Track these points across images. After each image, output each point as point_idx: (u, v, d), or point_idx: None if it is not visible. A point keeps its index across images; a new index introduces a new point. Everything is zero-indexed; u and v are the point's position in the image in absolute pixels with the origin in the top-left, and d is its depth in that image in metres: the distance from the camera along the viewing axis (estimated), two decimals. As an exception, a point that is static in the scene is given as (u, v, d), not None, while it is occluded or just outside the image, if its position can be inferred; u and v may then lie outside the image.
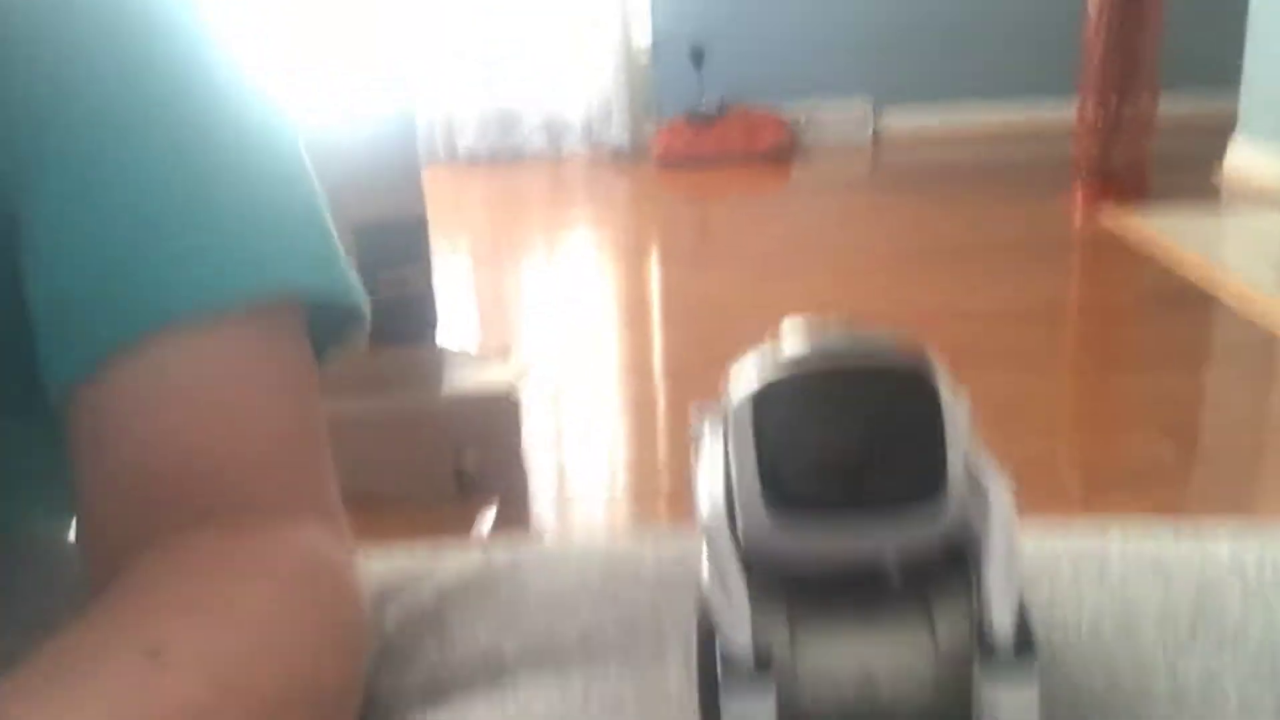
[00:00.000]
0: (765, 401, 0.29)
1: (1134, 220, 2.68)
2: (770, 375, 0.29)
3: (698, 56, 3.86)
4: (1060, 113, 3.31)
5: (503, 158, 4.02)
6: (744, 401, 0.29)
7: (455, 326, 2.30)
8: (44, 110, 0.35)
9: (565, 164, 3.98)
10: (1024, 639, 0.27)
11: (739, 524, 0.29)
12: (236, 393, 0.36)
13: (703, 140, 3.78)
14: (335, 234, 0.40)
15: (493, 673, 0.37)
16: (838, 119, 4.00)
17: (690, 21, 3.90)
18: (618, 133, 3.96)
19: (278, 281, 0.36)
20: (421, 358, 1.65)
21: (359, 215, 1.58)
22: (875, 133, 4.01)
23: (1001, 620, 0.27)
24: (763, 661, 0.28)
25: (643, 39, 3.97)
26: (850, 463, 0.28)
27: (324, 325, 0.42)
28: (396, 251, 1.63)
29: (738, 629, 0.28)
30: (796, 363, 0.29)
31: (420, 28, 3.87)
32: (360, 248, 1.59)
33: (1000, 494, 0.28)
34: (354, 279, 0.40)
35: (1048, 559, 0.41)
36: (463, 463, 1.58)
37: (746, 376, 0.29)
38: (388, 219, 1.62)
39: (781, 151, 3.81)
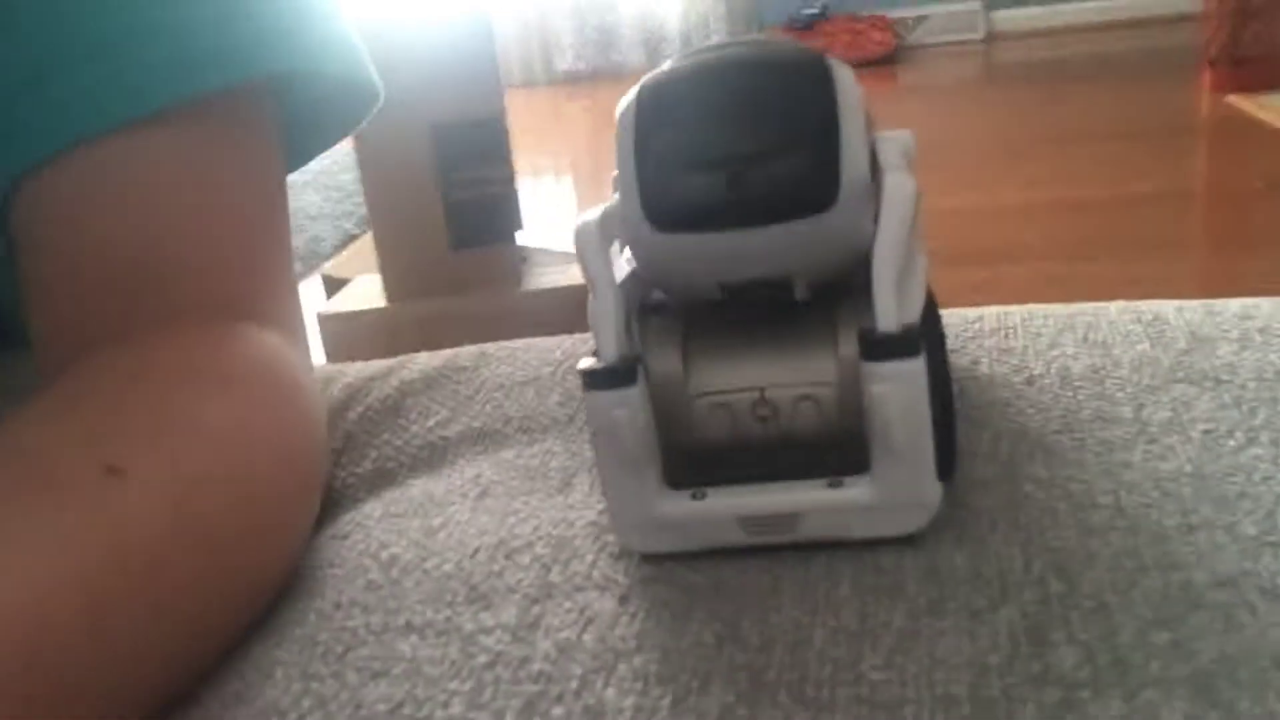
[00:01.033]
0: (645, 105, 0.27)
1: (1264, 105, 2.51)
2: (651, 79, 0.27)
3: (799, -40, 3.73)
4: (1184, 2, 3.10)
5: (603, 76, 3.99)
6: (626, 104, 0.27)
7: (543, 235, 2.31)
8: None
9: (665, 79, 3.92)
10: (908, 330, 0.25)
11: (629, 241, 0.27)
12: (191, 191, 0.34)
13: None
14: (333, 6, 0.37)
15: (437, 454, 0.37)
16: (946, 21, 3.83)
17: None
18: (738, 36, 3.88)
19: (241, 73, 0.34)
20: (502, 257, 1.66)
21: (436, 115, 1.58)
22: (987, 33, 3.83)
23: (884, 313, 0.25)
24: (624, 372, 0.26)
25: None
26: (734, 161, 0.26)
27: (330, 104, 0.40)
28: (475, 151, 1.63)
29: (606, 342, 0.26)
30: (676, 64, 0.27)
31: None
32: (438, 147, 1.59)
33: (897, 185, 0.26)
34: (351, 52, 0.38)
35: (1036, 324, 0.38)
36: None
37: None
38: (465, 119, 1.62)
39: (888, 55, 3.68)
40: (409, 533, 0.31)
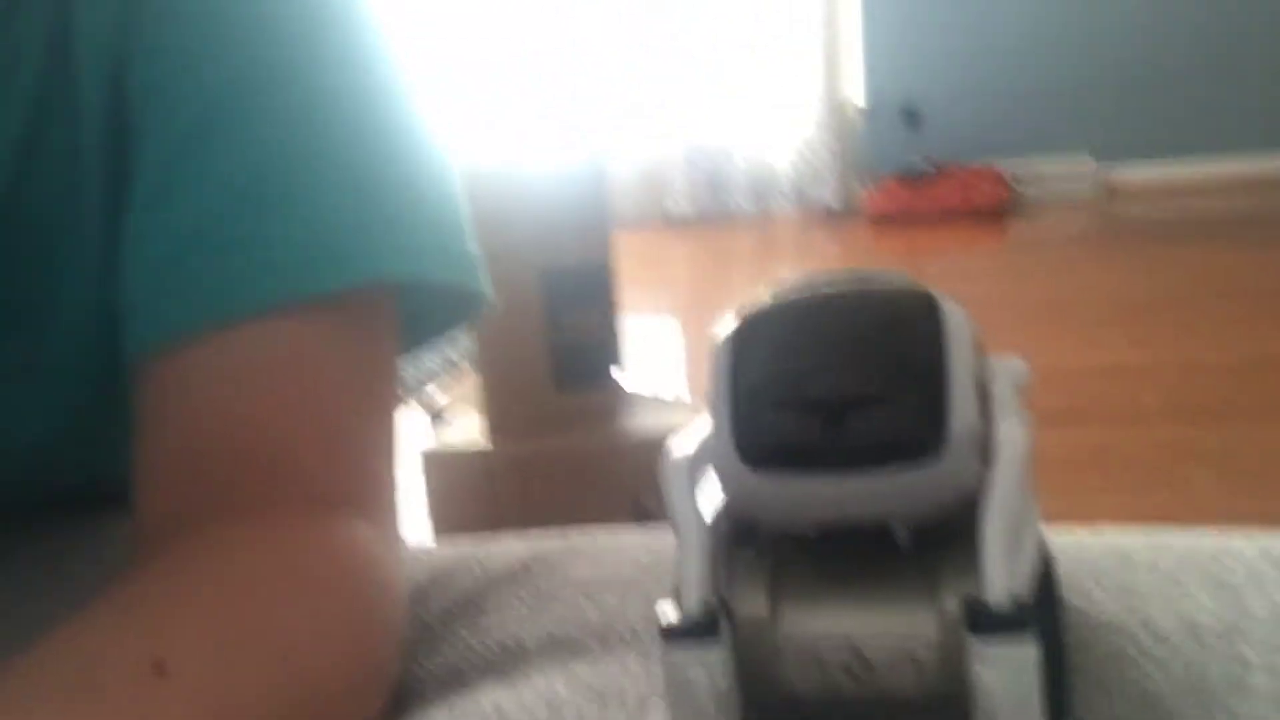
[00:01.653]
0: (743, 337, 0.26)
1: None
2: (750, 310, 0.26)
3: (911, 115, 3.78)
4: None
5: (711, 219, 4.06)
6: (724, 339, 0.26)
7: (646, 375, 2.32)
8: (190, 50, 0.35)
9: (774, 224, 3.97)
10: (1019, 608, 0.23)
11: (719, 475, 0.26)
12: (301, 381, 0.35)
13: (916, 198, 3.69)
14: (456, 219, 0.39)
15: (512, 660, 0.35)
16: (1059, 175, 3.81)
17: (903, 80, 3.83)
18: (827, 193, 3.93)
19: (364, 275, 0.35)
20: (603, 400, 1.67)
21: (545, 260, 1.62)
22: (1099, 187, 3.79)
23: (993, 582, 0.23)
24: (705, 624, 0.24)
25: (854, 98, 3.94)
26: (834, 402, 0.24)
27: (443, 304, 0.41)
28: (582, 295, 1.66)
29: (689, 589, 0.25)
30: (779, 295, 0.26)
31: (624, 89, 3.97)
32: (545, 291, 1.62)
33: (1010, 438, 0.24)
34: (468, 262, 0.39)
35: (1154, 554, 0.35)
36: (642, 504, 1.57)
37: (730, 318, 0.27)
38: (573, 265, 1.65)
39: (999, 208, 3.66)
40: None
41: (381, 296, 0.37)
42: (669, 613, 0.25)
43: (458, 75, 3.73)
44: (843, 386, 0.24)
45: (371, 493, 0.36)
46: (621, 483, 1.58)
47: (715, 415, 0.25)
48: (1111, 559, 0.35)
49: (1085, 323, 2.38)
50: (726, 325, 0.26)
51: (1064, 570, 0.35)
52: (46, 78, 0.36)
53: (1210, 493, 1.51)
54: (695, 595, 0.25)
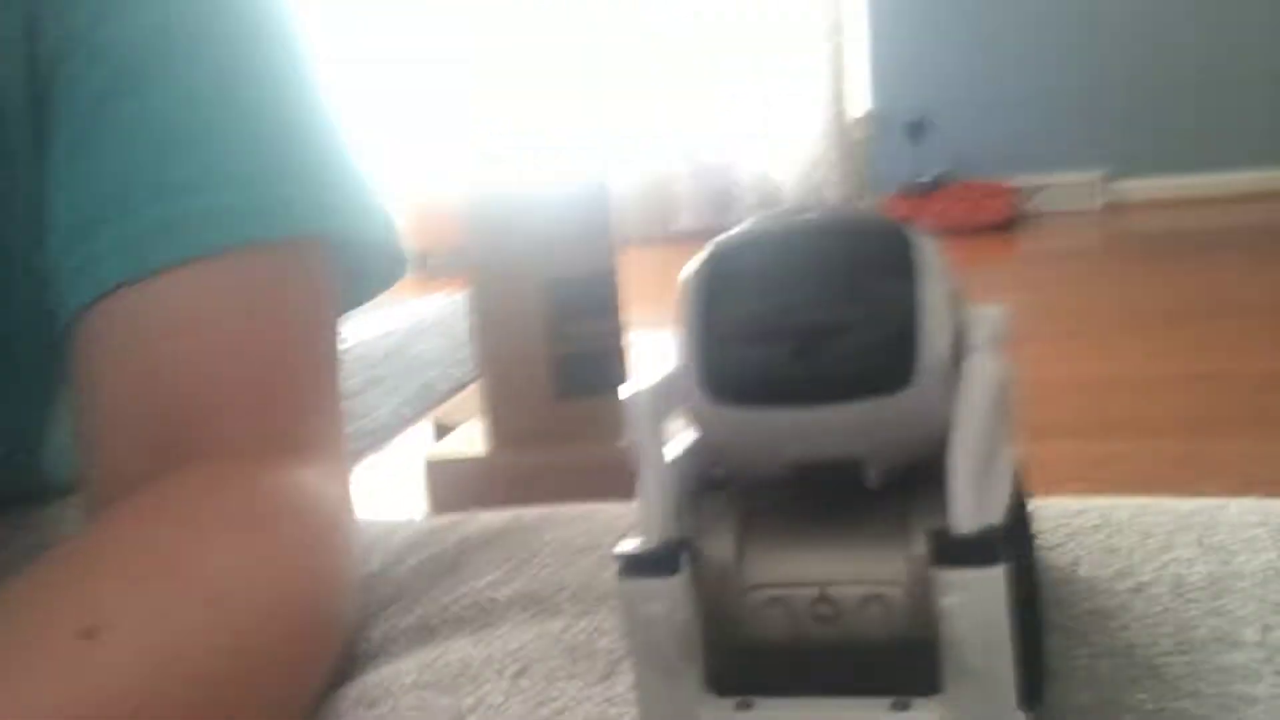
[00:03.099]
0: (710, 269, 0.25)
1: None
2: (717, 244, 0.26)
3: (916, 130, 3.78)
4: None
5: (717, 234, 4.05)
6: (691, 272, 0.26)
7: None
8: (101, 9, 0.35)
9: (781, 240, 3.97)
10: (986, 535, 0.22)
11: (686, 412, 0.25)
12: (238, 328, 0.35)
13: (920, 214, 3.69)
14: (372, 181, 0.39)
15: (484, 617, 0.35)
16: (1067, 190, 3.81)
17: (910, 93, 3.84)
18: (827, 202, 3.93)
19: (295, 225, 0.36)
20: (606, 409, 1.66)
21: (548, 270, 1.62)
22: (1107, 203, 3.79)
23: (959, 512, 0.22)
24: (664, 559, 0.24)
25: (860, 112, 3.94)
26: (802, 332, 0.24)
27: (363, 263, 0.41)
28: (586, 305, 1.66)
29: (649, 523, 0.24)
30: (746, 229, 0.26)
31: (628, 102, 3.99)
32: (549, 301, 1.62)
33: (978, 369, 0.23)
34: (385, 221, 0.40)
35: (1146, 521, 0.34)
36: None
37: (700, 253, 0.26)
38: (577, 275, 1.65)
39: (1007, 222, 3.66)
40: (436, 714, 0.29)
41: (313, 249, 0.37)
42: (629, 545, 0.24)
43: (464, 86, 3.75)
44: (811, 317, 0.23)
45: (314, 438, 0.36)
46: (620, 494, 1.55)
47: (682, 349, 0.25)
48: (1099, 525, 0.34)
49: (1095, 336, 2.37)
50: (694, 259, 0.26)
51: (1048, 537, 0.34)
52: None
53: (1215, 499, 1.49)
54: (655, 530, 0.24)
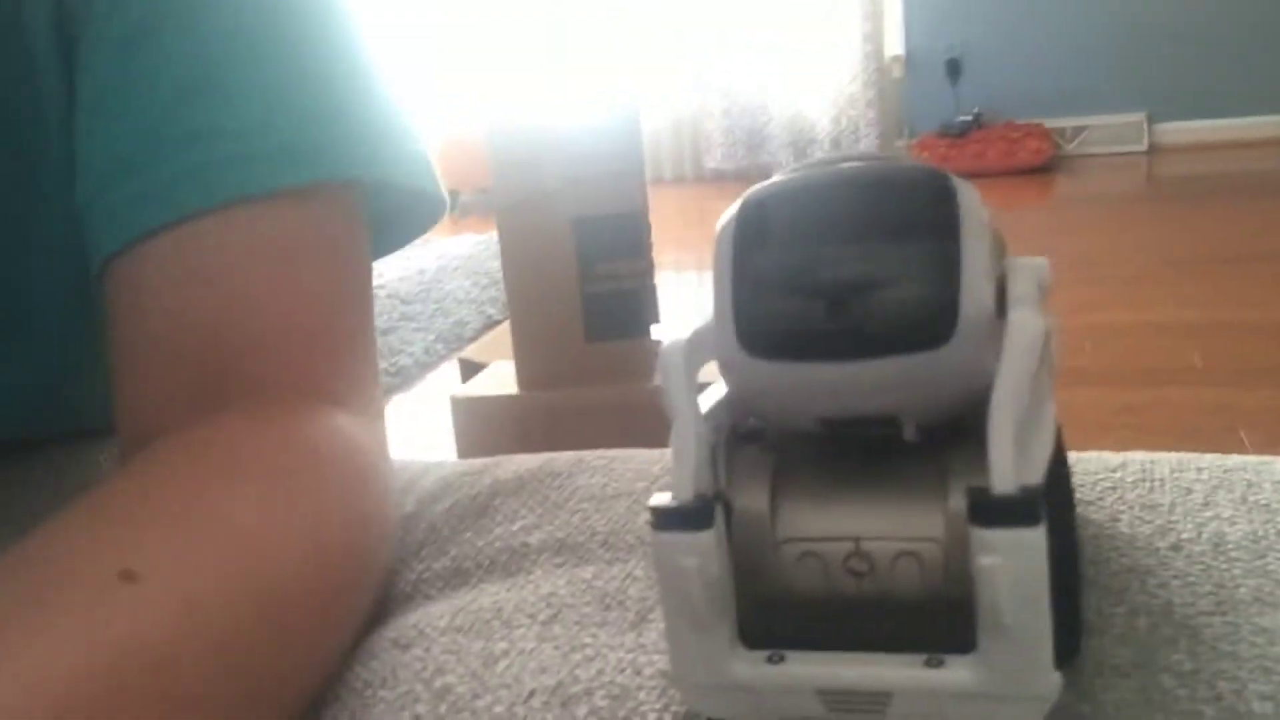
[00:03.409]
0: (746, 220, 0.24)
1: None
2: (755, 193, 0.25)
3: (954, 69, 3.71)
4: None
5: (751, 176, 4.02)
6: (726, 223, 0.25)
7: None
8: None
9: (813, 181, 3.92)
10: (1027, 495, 0.21)
11: (720, 366, 0.25)
12: (272, 272, 0.35)
13: (958, 155, 3.63)
14: (410, 123, 0.39)
15: (516, 562, 0.35)
16: (1107, 131, 3.73)
17: (945, 34, 3.75)
18: (866, 148, 3.87)
19: (327, 169, 0.35)
20: (637, 351, 1.66)
21: (577, 208, 1.61)
22: (1149, 145, 3.71)
23: (1000, 470, 0.22)
24: (698, 512, 0.23)
25: (895, 52, 3.87)
26: (839, 286, 0.23)
27: (400, 207, 0.41)
28: (615, 245, 1.65)
29: (682, 476, 0.24)
30: (785, 177, 0.25)
31: (661, 42, 3.93)
32: (578, 240, 1.61)
33: (1021, 324, 0.23)
34: (423, 165, 0.39)
35: (1187, 478, 0.34)
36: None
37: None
38: (606, 213, 1.64)
39: (1045, 165, 3.59)
40: (468, 659, 0.29)
41: (347, 193, 0.37)
42: (663, 499, 0.24)
43: (492, 23, 3.70)
44: (848, 270, 0.23)
45: (349, 384, 0.36)
46: (649, 436, 1.55)
47: (717, 302, 0.24)
48: (1139, 480, 0.34)
49: (1131, 281, 2.34)
50: (731, 208, 0.25)
51: (1087, 491, 0.34)
52: None
53: (1259, 455, 1.48)
54: (688, 482, 0.23)
